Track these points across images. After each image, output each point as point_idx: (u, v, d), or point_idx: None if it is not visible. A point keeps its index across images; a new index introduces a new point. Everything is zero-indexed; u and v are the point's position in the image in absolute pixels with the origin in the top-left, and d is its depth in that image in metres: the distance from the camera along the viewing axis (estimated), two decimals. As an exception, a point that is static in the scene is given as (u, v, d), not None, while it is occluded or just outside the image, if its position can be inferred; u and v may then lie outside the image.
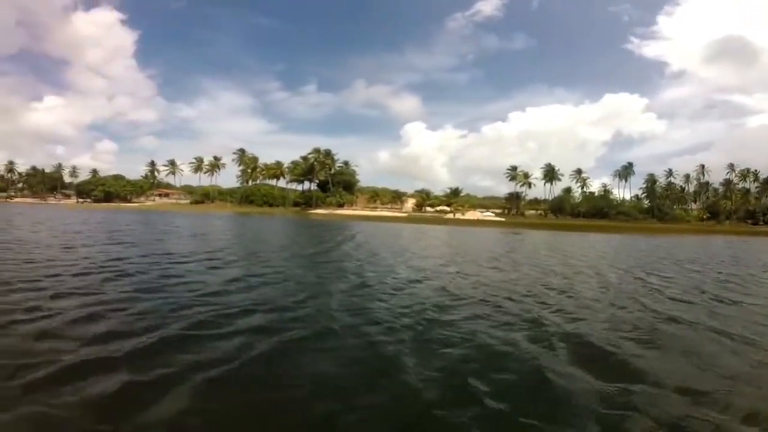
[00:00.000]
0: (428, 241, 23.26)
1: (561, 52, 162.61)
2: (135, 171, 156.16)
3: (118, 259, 10.58)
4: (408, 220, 65.86)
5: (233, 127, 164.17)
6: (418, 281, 9.00)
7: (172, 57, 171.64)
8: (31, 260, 9.66)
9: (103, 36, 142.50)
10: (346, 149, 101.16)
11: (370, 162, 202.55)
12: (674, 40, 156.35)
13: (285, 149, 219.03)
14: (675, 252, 20.58)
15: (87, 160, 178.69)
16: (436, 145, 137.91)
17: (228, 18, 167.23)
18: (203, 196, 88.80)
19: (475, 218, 71.97)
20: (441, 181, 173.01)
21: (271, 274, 9.09)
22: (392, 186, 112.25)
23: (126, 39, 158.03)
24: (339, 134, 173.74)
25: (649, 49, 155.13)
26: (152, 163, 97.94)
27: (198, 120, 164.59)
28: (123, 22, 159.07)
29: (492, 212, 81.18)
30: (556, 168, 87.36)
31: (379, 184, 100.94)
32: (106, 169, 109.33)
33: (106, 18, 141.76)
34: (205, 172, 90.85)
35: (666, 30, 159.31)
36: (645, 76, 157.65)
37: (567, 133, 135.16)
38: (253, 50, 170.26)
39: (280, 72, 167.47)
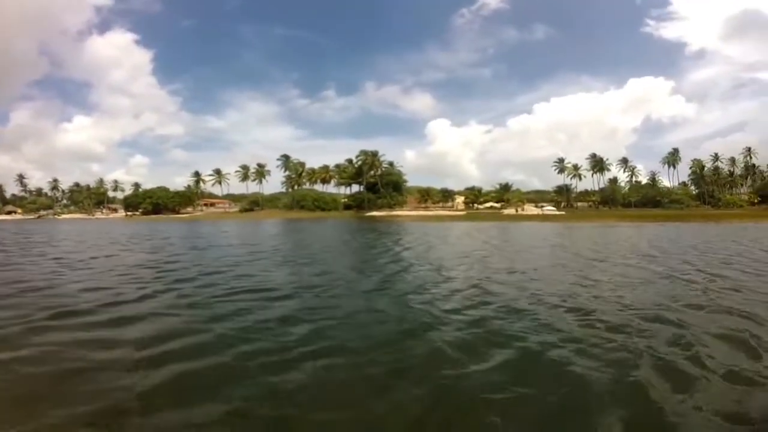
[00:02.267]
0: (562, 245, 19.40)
1: (579, 39, 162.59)
2: (170, 182, 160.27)
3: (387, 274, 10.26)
4: (467, 218, 65.61)
5: (263, 135, 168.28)
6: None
7: (192, 72, 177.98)
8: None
9: (120, 57, 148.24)
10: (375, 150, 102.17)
11: (399, 162, 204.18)
12: (691, 20, 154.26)
13: (316, 154, 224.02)
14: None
15: (121, 175, 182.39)
16: (462, 142, 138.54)
17: (241, 30, 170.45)
18: (252, 204, 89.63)
19: (537, 213, 71.57)
20: (470, 177, 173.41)
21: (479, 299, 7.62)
22: (420, 184, 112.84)
23: (143, 58, 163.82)
24: (366, 136, 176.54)
25: (668, 31, 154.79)
26: (197, 174, 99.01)
27: (228, 131, 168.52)
28: (137, 42, 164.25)
29: (551, 206, 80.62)
30: (605, 159, 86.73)
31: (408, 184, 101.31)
32: (141, 182, 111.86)
33: (120, 40, 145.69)
34: (252, 180, 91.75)
35: (682, 9, 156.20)
36: (668, 59, 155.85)
37: (595, 122, 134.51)
38: (272, 60, 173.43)
39: (299, 79, 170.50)
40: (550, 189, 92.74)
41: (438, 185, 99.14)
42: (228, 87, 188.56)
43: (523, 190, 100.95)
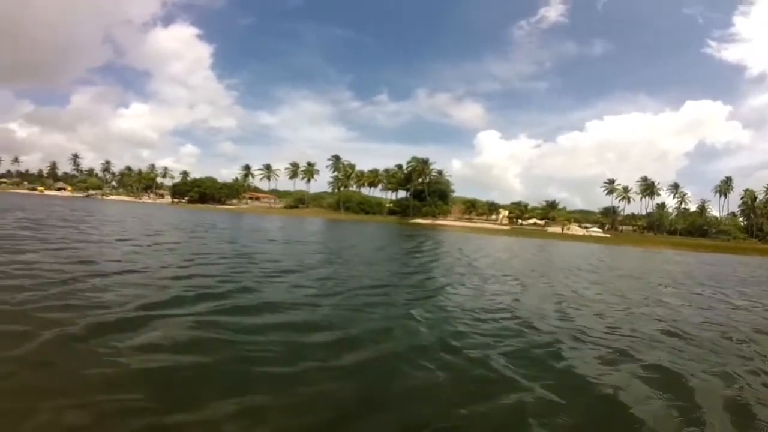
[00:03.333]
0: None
1: (638, 57, 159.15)
2: (216, 173, 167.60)
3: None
4: (513, 233, 66.16)
5: (313, 134, 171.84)
6: None
7: (250, 67, 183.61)
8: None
9: (181, 49, 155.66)
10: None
11: (446, 170, 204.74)
12: (753, 42, 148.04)
13: (364, 156, 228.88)
14: None
15: (170, 163, 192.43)
16: (509, 155, 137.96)
17: (299, 29, 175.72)
18: (298, 201, 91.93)
19: (583, 234, 71.61)
20: (513, 191, 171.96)
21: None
22: (463, 194, 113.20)
23: (203, 52, 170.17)
24: (415, 142, 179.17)
25: (729, 53, 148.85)
26: (247, 167, 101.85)
27: (278, 127, 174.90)
28: (199, 36, 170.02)
29: (596, 228, 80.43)
30: (656, 183, 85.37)
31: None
32: (189, 171, 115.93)
33: (183, 33, 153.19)
34: (301, 178, 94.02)
35: (744, 32, 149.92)
36: (727, 82, 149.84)
37: (647, 143, 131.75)
38: (327, 60, 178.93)
39: (353, 81, 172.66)
40: (594, 209, 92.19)
41: (480, 196, 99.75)
42: (283, 84, 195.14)
43: (567, 208, 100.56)
